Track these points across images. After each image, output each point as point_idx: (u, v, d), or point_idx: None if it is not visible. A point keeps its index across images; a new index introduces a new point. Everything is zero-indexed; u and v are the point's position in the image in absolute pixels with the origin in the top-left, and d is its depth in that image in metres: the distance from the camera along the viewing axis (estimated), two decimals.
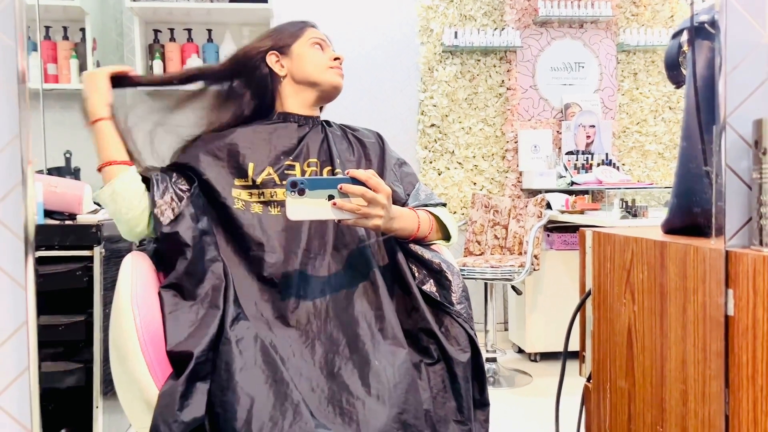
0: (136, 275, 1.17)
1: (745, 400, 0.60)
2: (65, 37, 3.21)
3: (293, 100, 1.40)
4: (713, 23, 0.79)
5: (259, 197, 1.29)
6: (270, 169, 1.31)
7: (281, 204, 1.29)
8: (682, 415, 0.70)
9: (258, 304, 1.21)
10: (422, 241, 1.35)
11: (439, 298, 1.26)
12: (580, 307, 0.97)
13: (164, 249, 1.23)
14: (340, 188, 1.12)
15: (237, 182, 1.29)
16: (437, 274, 1.29)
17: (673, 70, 0.85)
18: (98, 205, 2.16)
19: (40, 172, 2.66)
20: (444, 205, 1.46)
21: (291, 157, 1.34)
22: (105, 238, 1.79)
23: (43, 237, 1.74)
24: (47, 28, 3.20)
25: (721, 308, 0.63)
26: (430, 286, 1.28)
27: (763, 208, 0.63)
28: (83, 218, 1.85)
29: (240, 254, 1.25)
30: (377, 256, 1.31)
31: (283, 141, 1.35)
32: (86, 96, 1.38)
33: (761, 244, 0.64)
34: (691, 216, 0.74)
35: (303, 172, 1.34)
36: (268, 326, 1.17)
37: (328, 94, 1.41)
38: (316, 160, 1.36)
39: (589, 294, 0.95)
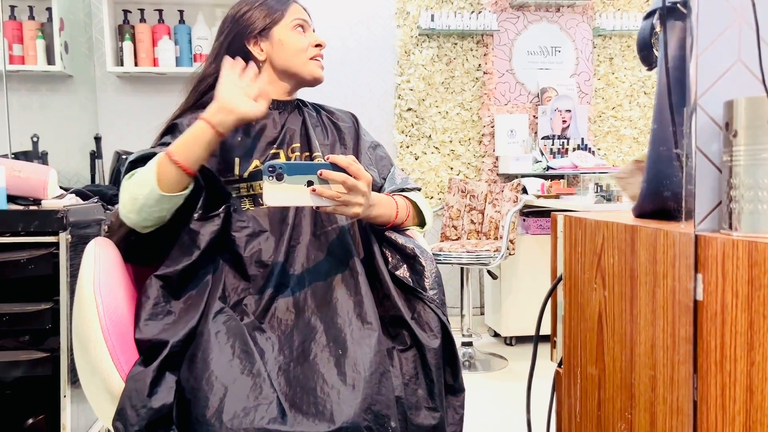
0: (100, 263, 1.13)
1: (713, 385, 0.60)
2: (31, 17, 3.12)
3: (271, 86, 1.36)
4: (685, 3, 0.77)
5: (248, 191, 1.26)
6: (257, 161, 1.28)
7: None
8: (650, 401, 0.70)
9: (240, 294, 1.19)
10: (399, 227, 1.33)
11: (411, 284, 1.24)
12: (552, 292, 0.96)
13: (167, 241, 1.19)
14: (320, 174, 1.09)
15: (223, 178, 1.26)
16: (411, 259, 1.28)
17: (646, 51, 0.84)
18: (64, 190, 2.11)
19: (5, 156, 2.59)
20: (419, 189, 1.45)
21: (275, 146, 1.31)
22: (71, 224, 1.75)
23: (7, 223, 1.69)
24: (12, 7, 3.10)
25: (690, 293, 0.63)
26: (403, 272, 1.27)
27: (732, 191, 0.62)
28: (48, 203, 1.80)
29: (226, 246, 1.23)
30: (355, 242, 1.29)
31: (266, 131, 1.32)
32: (230, 106, 1.16)
33: (730, 227, 0.63)
34: (662, 200, 0.73)
35: (288, 159, 1.31)
36: (249, 317, 1.15)
37: (307, 85, 1.37)
38: (299, 144, 1.33)
39: (560, 279, 0.94)
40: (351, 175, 1.11)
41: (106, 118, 3.43)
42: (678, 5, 0.79)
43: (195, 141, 1.15)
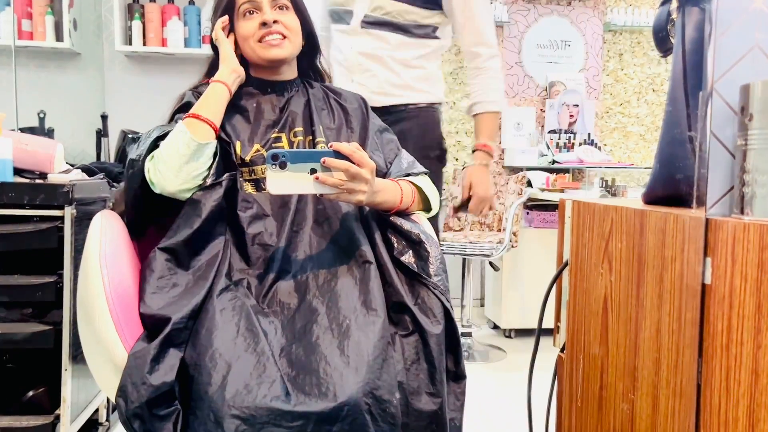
0: (106, 235, 1.14)
1: (718, 369, 0.60)
2: None
3: (257, 72, 1.36)
4: None
5: (250, 175, 1.26)
6: (258, 145, 1.28)
7: None
8: (654, 384, 0.70)
9: (242, 274, 1.19)
10: (404, 213, 1.33)
11: (416, 270, 1.24)
12: (557, 277, 0.96)
13: (169, 210, 1.20)
14: (323, 162, 1.09)
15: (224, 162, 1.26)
16: (416, 245, 1.27)
17: (661, 37, 0.84)
18: (70, 165, 2.11)
19: (12, 130, 2.59)
20: (426, 173, 1.44)
21: (276, 129, 1.30)
22: (77, 198, 1.75)
23: (13, 195, 1.69)
24: None
25: (698, 276, 0.62)
26: (408, 257, 1.26)
27: (745, 176, 0.62)
28: (55, 177, 1.80)
29: (231, 225, 1.23)
30: (359, 227, 1.28)
31: (266, 114, 1.31)
32: (225, 57, 1.29)
33: (741, 212, 0.63)
34: (674, 183, 0.73)
35: (291, 143, 1.31)
36: (250, 299, 1.15)
37: (270, 66, 1.33)
38: (301, 128, 1.32)
39: (566, 264, 0.94)
40: (354, 163, 1.11)
41: (113, 97, 3.43)
42: None
43: (216, 101, 1.24)
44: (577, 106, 3.72)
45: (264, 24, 1.26)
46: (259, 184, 1.27)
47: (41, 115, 2.89)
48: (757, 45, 0.66)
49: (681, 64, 0.75)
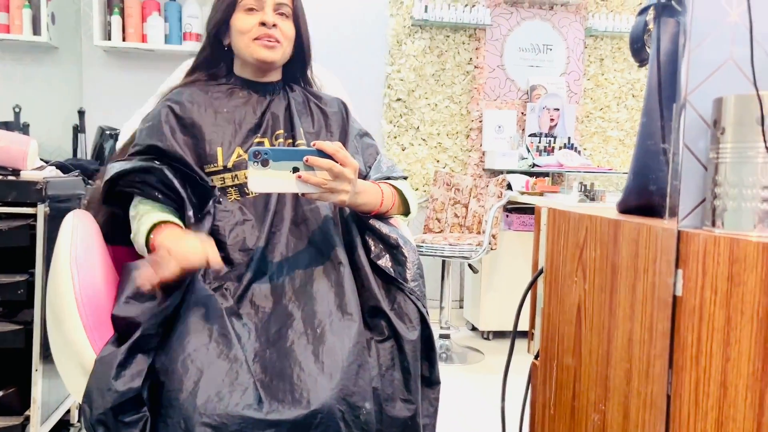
0: (78, 235, 1.12)
1: (687, 380, 0.60)
2: None
3: (242, 70, 1.36)
4: (680, 0, 0.77)
5: (233, 180, 1.25)
6: (239, 149, 1.26)
7: None
8: (625, 394, 0.70)
9: (221, 279, 1.18)
10: (383, 216, 1.33)
11: (393, 274, 1.24)
12: (532, 284, 0.96)
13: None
14: (306, 161, 1.08)
15: (206, 168, 1.24)
16: (394, 249, 1.27)
17: (638, 47, 0.84)
18: (44, 162, 2.07)
19: None
20: (405, 178, 1.44)
21: (259, 134, 1.29)
22: (50, 196, 1.72)
23: None
24: None
25: (669, 288, 0.63)
26: (385, 261, 1.26)
27: (717, 189, 0.62)
28: (28, 174, 1.77)
29: (214, 235, 1.21)
30: (336, 229, 1.28)
31: (248, 117, 1.30)
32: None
33: (713, 224, 0.64)
34: (647, 195, 0.73)
35: (272, 146, 1.30)
36: (228, 301, 1.14)
37: (261, 68, 1.33)
38: (282, 131, 1.31)
39: (541, 272, 0.94)
40: (338, 162, 1.10)
41: (90, 93, 3.38)
42: (672, 2, 0.79)
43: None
44: (558, 110, 3.74)
45: (263, 24, 1.26)
46: (242, 189, 1.26)
47: (16, 110, 2.84)
48: (731, 58, 0.67)
49: (656, 75, 0.75)
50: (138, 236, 1.17)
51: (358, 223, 1.30)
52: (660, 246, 0.65)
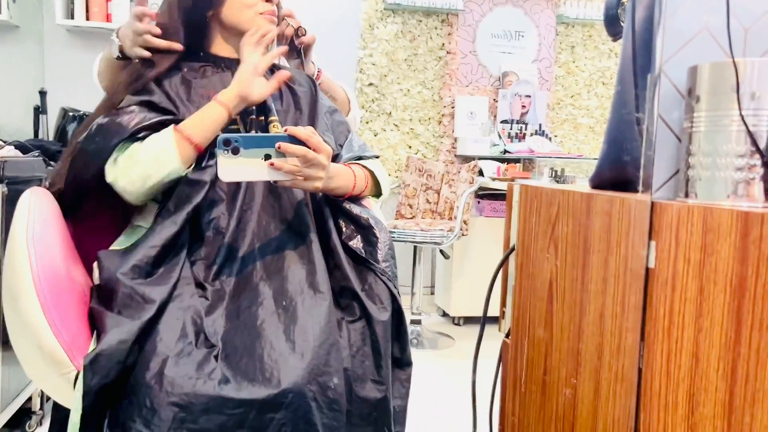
0: (35, 213, 1.07)
1: (659, 352, 0.59)
2: None
3: (221, 44, 1.31)
4: None
5: (207, 161, 1.21)
6: None
7: None
8: (596, 369, 0.69)
9: (193, 259, 1.14)
10: (355, 198, 1.31)
11: (364, 255, 1.22)
12: (504, 261, 0.95)
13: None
14: (278, 148, 1.04)
15: None
16: (365, 230, 1.25)
17: (612, 21, 0.83)
18: (2, 142, 2.00)
19: None
20: (377, 157, 1.42)
21: None
22: (8, 177, 1.66)
23: None
24: None
25: (642, 260, 0.62)
26: (356, 242, 1.24)
27: (691, 158, 0.61)
28: None
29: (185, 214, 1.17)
30: (308, 209, 1.25)
31: (219, 95, 1.27)
32: (245, 90, 1.21)
33: (686, 195, 0.63)
34: (621, 166, 0.72)
35: (247, 124, 1.26)
36: (199, 283, 1.11)
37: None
38: (254, 108, 1.28)
39: (512, 249, 0.93)
40: (311, 148, 1.07)
41: (52, 73, 3.27)
42: None
43: (213, 124, 1.18)
44: (529, 96, 3.75)
45: (269, 1, 1.28)
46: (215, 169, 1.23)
47: None
48: (705, 27, 0.66)
49: (630, 44, 0.74)
50: (157, 153, 1.13)
51: (331, 205, 1.28)
52: (633, 218, 0.64)
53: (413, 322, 3.12)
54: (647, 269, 0.62)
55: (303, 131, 1.07)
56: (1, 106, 3.03)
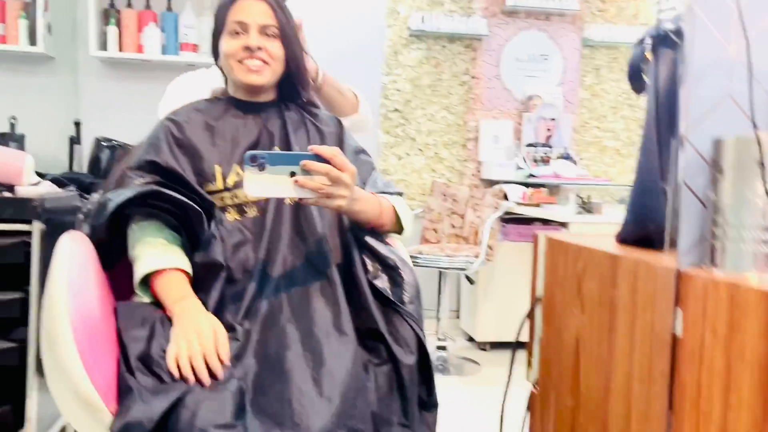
0: (73, 258, 1.11)
1: (687, 424, 0.60)
2: None
3: (236, 91, 1.35)
4: (678, 33, 0.77)
5: (233, 200, 1.24)
6: (237, 168, 1.26)
7: (256, 203, 1.25)
8: None
9: (222, 301, 1.17)
10: (379, 230, 1.32)
11: (391, 297, 1.23)
12: (530, 313, 0.96)
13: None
14: (303, 165, 1.07)
15: (205, 188, 1.24)
16: (391, 270, 1.26)
17: (636, 77, 0.84)
18: (41, 176, 2.06)
19: None
20: (401, 194, 1.44)
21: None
22: (46, 213, 1.71)
23: None
24: None
25: (669, 327, 0.62)
26: (382, 282, 1.25)
27: (717, 229, 0.62)
28: (23, 191, 1.76)
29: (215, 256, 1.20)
30: (333, 249, 1.27)
31: (244, 136, 1.29)
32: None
33: (713, 263, 0.63)
34: (645, 230, 0.73)
35: None
36: (229, 325, 1.13)
37: (250, 90, 1.32)
38: (278, 148, 1.31)
39: (539, 300, 0.94)
40: (335, 167, 1.09)
41: (87, 103, 3.36)
42: (670, 34, 0.79)
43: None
44: (554, 120, 3.74)
45: (247, 48, 1.26)
46: (242, 208, 1.25)
47: (12, 121, 2.84)
48: (729, 95, 0.67)
49: (654, 107, 0.75)
50: (137, 267, 1.17)
51: (357, 242, 1.29)
52: (659, 284, 0.65)
53: (439, 348, 3.11)
54: (674, 337, 0.62)
55: (328, 150, 1.09)
56: (37, 135, 3.11)
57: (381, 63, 3.68)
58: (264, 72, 1.28)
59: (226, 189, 1.25)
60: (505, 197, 3.34)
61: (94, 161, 3.05)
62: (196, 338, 1.06)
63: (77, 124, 3.00)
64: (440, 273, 3.17)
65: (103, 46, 3.22)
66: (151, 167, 1.24)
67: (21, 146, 2.84)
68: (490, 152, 3.73)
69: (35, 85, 3.21)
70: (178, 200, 1.18)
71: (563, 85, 3.83)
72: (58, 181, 2.05)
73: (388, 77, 3.67)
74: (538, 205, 3.22)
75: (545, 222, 3.21)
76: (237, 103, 1.34)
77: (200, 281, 1.19)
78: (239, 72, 1.28)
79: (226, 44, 1.28)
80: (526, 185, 3.48)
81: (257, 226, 1.25)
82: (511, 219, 3.37)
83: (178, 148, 1.27)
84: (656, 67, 0.77)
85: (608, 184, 3.42)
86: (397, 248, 1.39)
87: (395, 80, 3.67)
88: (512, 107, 3.80)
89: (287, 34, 1.30)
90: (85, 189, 2.19)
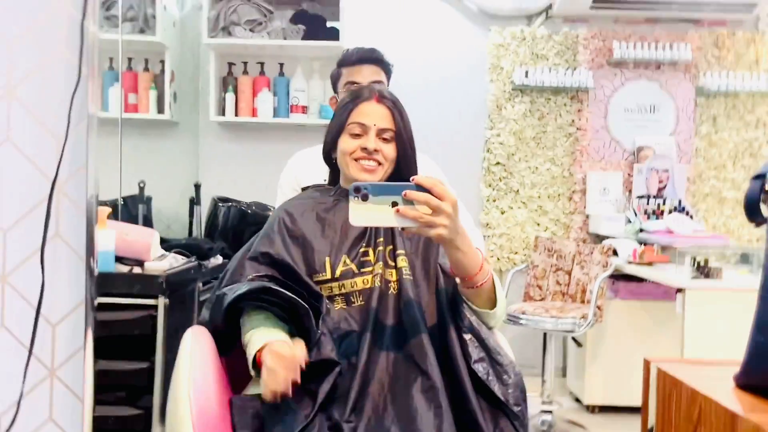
0: (195, 356, 1.19)
1: None
2: (146, 69, 3.34)
3: (344, 181, 1.41)
4: None
5: (340, 290, 1.29)
6: (346, 257, 1.31)
7: (361, 293, 1.29)
8: None
9: (329, 395, 1.20)
10: (478, 290, 1.27)
11: (497, 393, 1.22)
12: None
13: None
14: (405, 195, 1.10)
15: (315, 278, 1.30)
16: (498, 366, 1.25)
17: (754, 210, 0.80)
18: (164, 242, 2.23)
19: (114, 201, 2.77)
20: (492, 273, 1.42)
21: (364, 243, 1.34)
22: (170, 286, 1.85)
23: (113, 285, 1.81)
24: (129, 59, 3.33)
25: None
26: (485, 369, 1.25)
27: None
28: (151, 266, 1.91)
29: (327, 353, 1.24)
30: (433, 343, 1.27)
31: (353, 228, 1.34)
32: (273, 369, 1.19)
33: None
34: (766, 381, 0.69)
35: (376, 255, 1.33)
36: (336, 424, 1.17)
37: None
38: (382, 239, 1.35)
39: (651, 431, 0.91)
40: (435, 196, 1.11)
41: (206, 163, 3.61)
42: None
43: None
44: (667, 171, 3.58)
45: (365, 149, 1.33)
46: (349, 297, 1.30)
47: (141, 185, 3.09)
48: None
49: None
50: (249, 351, 1.23)
51: (455, 321, 1.29)
52: None
53: (544, 411, 3.02)
54: None
55: (428, 180, 1.11)
56: (162, 196, 3.37)
57: (484, 117, 3.70)
58: (377, 172, 1.34)
59: (334, 279, 1.30)
60: (615, 253, 3.22)
61: (211, 219, 3.26)
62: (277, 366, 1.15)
63: (197, 187, 3.22)
64: (545, 333, 3.09)
65: (221, 111, 3.46)
66: (264, 259, 1.31)
67: (148, 208, 3.08)
68: (598, 205, 3.63)
69: (162, 149, 3.48)
70: (287, 297, 1.24)
71: (676, 134, 3.67)
72: (181, 251, 2.21)
73: (491, 131, 3.68)
74: (650, 264, 3.09)
75: (658, 283, 3.06)
76: (345, 193, 1.40)
77: (313, 377, 1.23)
78: (354, 170, 1.34)
79: (345, 143, 1.36)
80: (638, 242, 3.34)
81: (363, 315, 1.28)
82: (621, 275, 3.24)
83: (291, 239, 1.34)
84: None
85: (725, 247, 3.20)
86: (498, 338, 1.38)
87: (498, 134, 3.67)
88: (621, 158, 3.69)
89: (402, 138, 1.36)
90: (203, 255, 2.35)
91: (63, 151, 0.87)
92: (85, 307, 0.95)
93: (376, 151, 1.33)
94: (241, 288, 1.26)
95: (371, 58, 1.89)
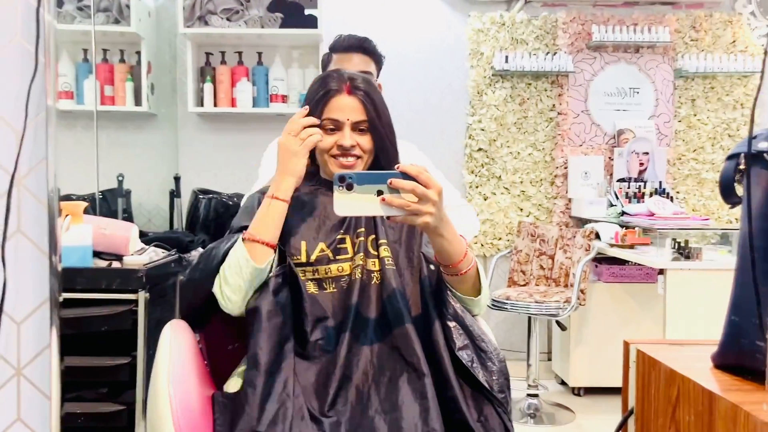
0: (175, 351, 1.18)
1: None
2: (122, 60, 3.29)
3: (324, 171, 1.39)
4: None
5: (313, 274, 1.28)
6: (323, 245, 1.30)
7: (335, 280, 1.28)
8: None
9: (305, 388, 1.20)
10: (462, 277, 1.27)
11: (480, 379, 1.22)
12: (622, 425, 0.93)
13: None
14: (390, 183, 1.09)
15: (289, 260, 1.29)
16: (482, 353, 1.25)
17: (728, 192, 0.81)
18: (144, 235, 2.20)
19: (92, 196, 2.73)
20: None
21: (342, 230, 1.32)
22: (150, 280, 1.83)
23: (92, 280, 1.78)
24: (105, 51, 3.27)
25: None
26: (468, 356, 1.24)
27: None
28: (130, 261, 1.89)
29: (294, 335, 1.25)
30: (418, 333, 1.26)
31: (331, 215, 1.33)
32: (284, 170, 1.27)
33: None
34: (742, 362, 0.70)
35: (353, 244, 1.32)
36: (314, 416, 1.16)
37: None
38: (363, 229, 1.34)
39: (631, 412, 0.91)
40: (421, 184, 1.10)
41: (185, 155, 3.57)
42: (765, 154, 0.76)
43: (274, 220, 1.25)
44: (647, 153, 3.61)
45: (341, 146, 1.30)
46: (321, 284, 1.29)
47: (120, 179, 3.05)
48: None
49: (747, 232, 0.72)
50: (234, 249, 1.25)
51: (438, 308, 1.29)
52: None
53: (530, 395, 3.05)
54: None
55: (414, 168, 1.10)
56: (141, 189, 3.33)
57: (465, 103, 3.69)
58: (356, 166, 1.32)
59: (309, 263, 1.29)
60: (597, 237, 3.24)
61: (192, 210, 3.23)
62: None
63: (177, 179, 3.18)
64: (529, 318, 3.11)
65: (200, 102, 3.41)
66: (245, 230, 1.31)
67: (128, 201, 3.04)
68: (579, 189, 3.64)
69: (140, 141, 3.43)
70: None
71: (656, 117, 3.69)
72: (160, 245, 2.18)
73: (473, 117, 3.67)
74: (632, 247, 3.11)
75: (640, 265, 3.09)
76: (327, 184, 1.39)
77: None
78: (333, 166, 1.32)
79: (321, 141, 1.33)
80: (619, 225, 3.36)
81: (341, 303, 1.27)
82: (603, 258, 3.26)
83: None
84: (749, 187, 0.74)
85: (706, 229, 3.23)
86: (482, 325, 1.38)
87: (480, 120, 3.67)
88: (602, 142, 3.70)
89: (377, 127, 1.33)
90: (183, 248, 2.33)
91: (21, 143, 0.85)
92: (50, 304, 0.93)
93: (353, 146, 1.31)
94: (227, 245, 1.27)
95: (361, 47, 1.86)
